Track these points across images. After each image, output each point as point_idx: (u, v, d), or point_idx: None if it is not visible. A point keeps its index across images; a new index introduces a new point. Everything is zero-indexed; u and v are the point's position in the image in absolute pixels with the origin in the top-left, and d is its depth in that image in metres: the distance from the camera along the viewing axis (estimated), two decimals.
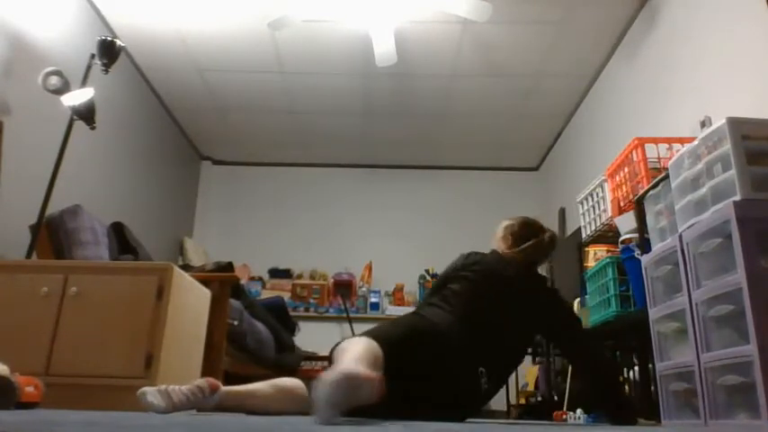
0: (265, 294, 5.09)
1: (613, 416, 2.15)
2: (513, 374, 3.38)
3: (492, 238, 2.29)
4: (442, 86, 4.57)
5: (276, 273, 5.57)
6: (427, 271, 5.27)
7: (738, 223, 1.72)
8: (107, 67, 3.01)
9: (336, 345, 1.63)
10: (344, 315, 5.24)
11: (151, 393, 1.58)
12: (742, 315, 1.68)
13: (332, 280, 5.51)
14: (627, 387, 3.12)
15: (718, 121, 1.88)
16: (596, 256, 3.06)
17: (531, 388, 4.15)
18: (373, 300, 5.44)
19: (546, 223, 2.36)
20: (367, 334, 1.69)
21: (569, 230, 4.65)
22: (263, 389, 1.77)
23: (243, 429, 1.05)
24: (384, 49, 3.59)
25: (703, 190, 1.93)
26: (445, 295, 2.07)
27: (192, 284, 2.53)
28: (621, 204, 2.85)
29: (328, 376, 1.24)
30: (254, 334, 3.33)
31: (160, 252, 4.59)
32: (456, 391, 1.84)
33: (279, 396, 1.76)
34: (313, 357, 4.75)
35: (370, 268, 5.55)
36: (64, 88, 2.99)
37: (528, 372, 4.38)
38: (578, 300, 3.17)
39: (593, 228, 3.27)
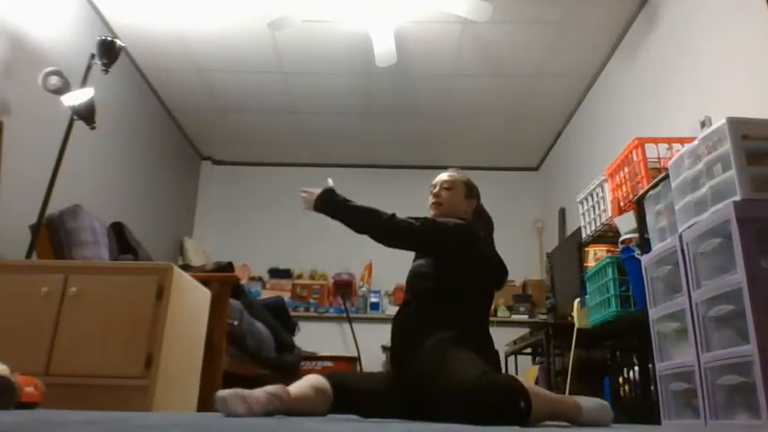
0: (265, 294, 5.09)
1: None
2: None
3: (462, 195, 2.25)
4: (442, 86, 4.57)
5: (276, 273, 5.56)
6: None
7: (738, 223, 1.72)
8: (107, 67, 3.01)
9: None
10: (344, 315, 5.24)
11: (231, 399, 1.56)
12: (742, 315, 1.68)
13: (332, 280, 5.51)
14: (627, 387, 3.13)
15: (718, 121, 1.88)
16: (596, 256, 3.06)
17: None
18: (373, 300, 5.44)
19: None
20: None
21: (569, 230, 4.64)
22: (310, 392, 1.72)
23: (242, 429, 1.05)
24: (384, 49, 3.59)
25: (703, 190, 1.93)
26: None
27: (192, 284, 2.53)
28: (621, 204, 2.85)
29: None
30: (254, 334, 3.33)
31: (160, 252, 4.59)
32: None
33: (319, 397, 1.73)
34: (313, 357, 4.75)
35: (370, 268, 5.55)
36: (64, 88, 2.99)
37: (528, 372, 4.38)
38: (578, 300, 3.17)
39: (593, 228, 3.27)
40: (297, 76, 4.49)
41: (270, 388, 1.62)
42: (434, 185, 2.28)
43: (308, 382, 1.74)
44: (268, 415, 1.57)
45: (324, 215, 2.09)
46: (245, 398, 1.55)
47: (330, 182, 2.14)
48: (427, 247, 2.10)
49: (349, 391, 1.79)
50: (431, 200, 2.26)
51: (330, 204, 2.08)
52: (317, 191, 2.11)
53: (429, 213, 2.23)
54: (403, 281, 2.26)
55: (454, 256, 2.04)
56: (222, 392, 1.56)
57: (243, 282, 4.50)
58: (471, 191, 2.27)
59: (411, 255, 2.27)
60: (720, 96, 2.74)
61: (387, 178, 5.85)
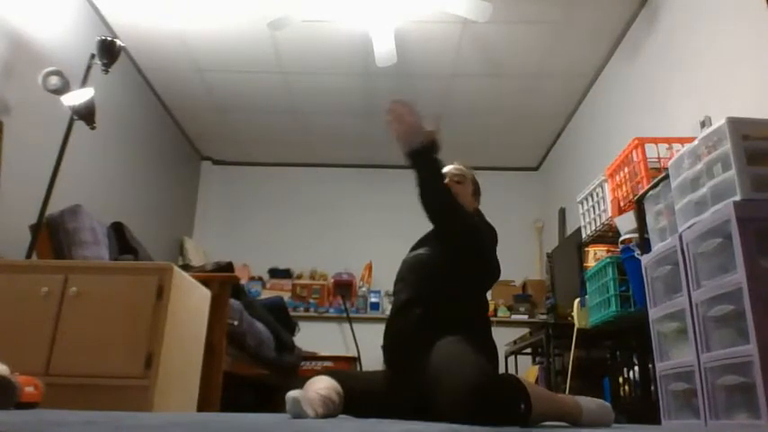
0: (265, 294, 5.09)
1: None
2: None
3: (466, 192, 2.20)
4: (442, 86, 4.57)
5: (276, 273, 5.56)
6: None
7: (738, 223, 1.72)
8: (107, 67, 3.01)
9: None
10: (344, 315, 5.24)
11: (305, 403, 1.55)
12: (742, 315, 1.68)
13: (332, 280, 5.51)
14: (627, 387, 3.13)
15: (718, 121, 1.88)
16: (596, 256, 3.06)
17: None
18: (373, 300, 5.44)
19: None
20: None
21: (569, 230, 4.64)
22: (335, 396, 1.70)
23: (242, 429, 1.05)
24: (384, 49, 3.59)
25: (703, 190, 1.93)
26: None
27: (192, 284, 2.53)
28: (621, 204, 2.85)
29: None
30: (254, 334, 3.33)
31: (160, 252, 4.59)
32: None
33: (339, 400, 1.72)
34: (313, 357, 4.75)
35: (370, 268, 5.55)
36: (64, 88, 2.99)
37: (528, 372, 4.38)
38: (578, 300, 3.17)
39: (593, 228, 3.27)
40: (297, 76, 4.49)
41: (321, 391, 1.63)
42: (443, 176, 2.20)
43: (329, 384, 1.73)
44: (326, 417, 1.59)
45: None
46: (310, 401, 1.56)
47: (434, 121, 1.79)
48: (469, 242, 1.95)
49: (354, 392, 1.79)
50: None
51: (427, 162, 1.88)
52: (418, 123, 1.81)
53: None
54: None
55: (478, 255, 1.95)
56: (293, 393, 1.56)
57: (243, 282, 4.50)
58: (477, 189, 2.25)
59: None
60: (720, 96, 2.74)
61: (387, 178, 5.85)
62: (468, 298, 1.97)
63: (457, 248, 1.94)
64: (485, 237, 2.00)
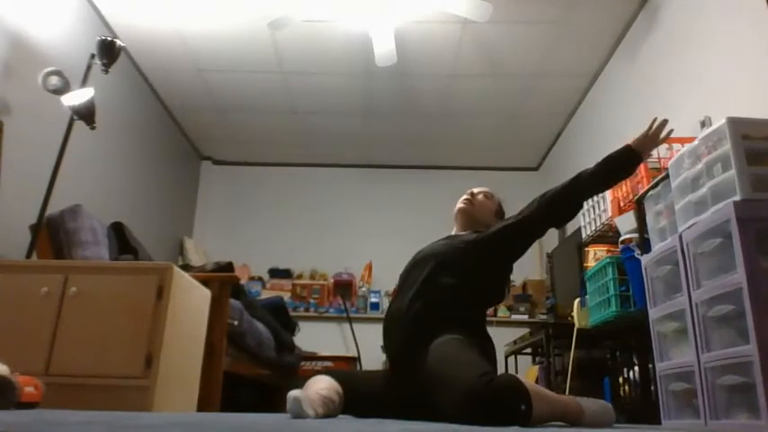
0: (265, 294, 5.09)
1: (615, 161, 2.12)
2: None
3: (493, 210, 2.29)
4: (442, 86, 4.57)
5: (276, 273, 5.57)
6: None
7: (738, 223, 1.72)
8: (107, 67, 3.01)
9: None
10: (344, 315, 5.25)
11: (306, 403, 1.55)
12: (742, 315, 1.68)
13: (332, 280, 5.51)
14: (627, 387, 3.12)
15: (718, 121, 1.88)
16: (596, 256, 3.06)
17: None
18: (373, 300, 5.44)
19: None
20: None
21: (569, 230, 4.64)
22: (335, 396, 1.71)
23: (242, 429, 1.05)
24: (384, 49, 3.59)
25: (703, 190, 1.94)
26: None
27: (192, 284, 2.53)
28: (621, 204, 2.85)
29: None
30: (253, 334, 3.33)
31: (160, 252, 4.59)
32: None
33: (339, 400, 1.72)
34: (313, 357, 4.75)
35: (370, 268, 5.55)
36: (64, 88, 2.99)
37: (528, 372, 4.38)
38: (578, 300, 3.17)
39: (593, 228, 3.27)
40: (297, 76, 4.49)
41: (322, 391, 1.64)
42: (473, 189, 2.30)
43: (330, 384, 1.73)
44: (326, 417, 1.59)
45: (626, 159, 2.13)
46: (311, 401, 1.56)
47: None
48: (536, 236, 2.09)
49: (354, 392, 1.79)
50: (464, 197, 2.26)
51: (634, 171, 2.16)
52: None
53: (456, 208, 2.24)
54: None
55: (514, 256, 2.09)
56: (295, 393, 1.56)
57: (243, 282, 4.50)
58: (500, 213, 2.29)
59: (409, 255, 2.20)
60: (720, 96, 2.74)
61: (387, 178, 5.85)
62: (469, 298, 1.98)
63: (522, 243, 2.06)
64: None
